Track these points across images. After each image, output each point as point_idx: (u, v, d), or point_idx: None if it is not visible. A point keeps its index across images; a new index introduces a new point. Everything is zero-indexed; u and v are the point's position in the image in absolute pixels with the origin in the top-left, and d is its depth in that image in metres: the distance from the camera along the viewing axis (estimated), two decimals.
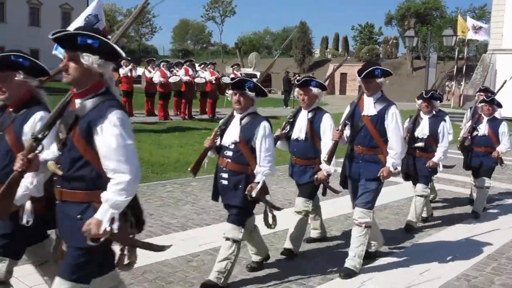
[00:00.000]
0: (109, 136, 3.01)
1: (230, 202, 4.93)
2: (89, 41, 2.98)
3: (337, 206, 8.18)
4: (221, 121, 5.09)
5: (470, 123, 8.54)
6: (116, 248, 3.36)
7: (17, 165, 3.13)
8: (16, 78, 3.52)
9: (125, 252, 3.39)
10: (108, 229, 2.97)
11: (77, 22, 9.88)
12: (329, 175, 5.69)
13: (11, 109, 3.62)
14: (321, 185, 5.88)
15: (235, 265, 4.96)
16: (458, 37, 31.36)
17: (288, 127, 5.96)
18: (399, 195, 9.04)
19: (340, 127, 5.49)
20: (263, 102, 27.37)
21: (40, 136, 3.16)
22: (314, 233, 6.51)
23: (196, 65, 20.04)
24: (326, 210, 8.01)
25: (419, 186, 7.34)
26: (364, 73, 5.36)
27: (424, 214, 7.70)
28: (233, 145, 4.86)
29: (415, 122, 7.47)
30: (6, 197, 3.24)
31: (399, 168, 5.59)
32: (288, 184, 9.86)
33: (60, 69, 3.29)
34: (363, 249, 5.40)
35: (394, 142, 5.35)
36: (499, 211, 8.67)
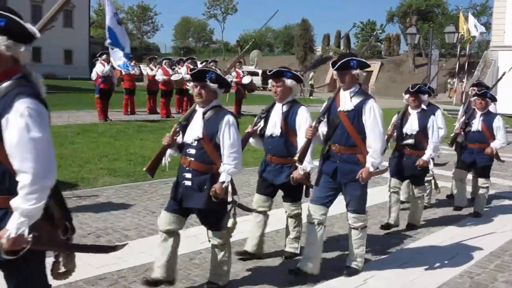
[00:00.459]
0: (13, 129, 2.56)
1: (194, 205, 4.54)
2: None
3: (339, 204, 8.17)
4: (182, 117, 4.76)
5: (463, 118, 8.25)
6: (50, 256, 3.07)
7: None
8: None
9: (60, 259, 3.08)
10: (26, 239, 2.62)
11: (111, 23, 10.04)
12: (307, 174, 5.29)
13: None
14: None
15: (232, 262, 4.94)
16: (460, 34, 31.31)
17: (262, 123, 5.52)
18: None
19: (314, 124, 5.06)
20: (265, 100, 27.35)
21: None
22: (248, 245, 5.69)
23: (198, 62, 20.02)
24: None
25: (416, 189, 7.08)
26: (338, 65, 4.98)
27: (391, 221, 7.07)
28: (195, 142, 4.50)
29: (403, 118, 7.03)
30: None
31: (381, 166, 5.34)
32: None
33: None
34: (363, 249, 5.30)
35: (372, 139, 4.96)
36: (502, 208, 8.65)
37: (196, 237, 6.26)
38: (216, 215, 4.59)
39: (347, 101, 5.07)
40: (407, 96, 6.98)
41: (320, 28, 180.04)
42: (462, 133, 8.05)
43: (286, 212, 5.69)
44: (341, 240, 6.43)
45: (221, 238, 4.64)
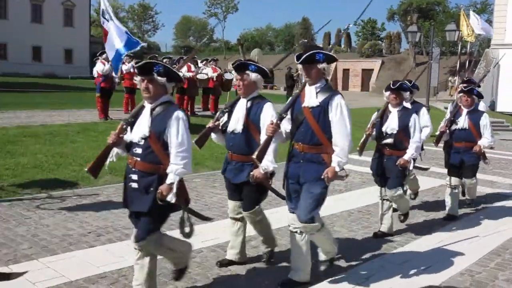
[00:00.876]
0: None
1: (139, 209, 4.20)
2: None
3: (339, 203, 8.19)
4: (130, 113, 4.42)
5: (448, 116, 7.88)
6: None
7: None
8: None
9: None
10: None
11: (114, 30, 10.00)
12: (270, 174, 4.92)
13: None
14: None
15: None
16: (460, 32, 31.26)
17: (225, 118, 5.20)
18: None
19: (275, 120, 4.66)
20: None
21: None
22: (230, 254, 5.45)
23: (198, 61, 20.00)
24: (327, 205, 8.02)
25: (390, 191, 6.53)
26: (303, 58, 4.62)
27: (384, 229, 6.74)
28: (142, 140, 4.17)
29: (383, 116, 6.63)
30: None
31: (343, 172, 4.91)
32: None
33: None
34: (330, 243, 5.01)
35: (339, 137, 4.62)
36: (503, 206, 8.64)
37: (197, 235, 6.24)
38: (152, 219, 4.22)
39: (312, 96, 4.73)
40: (387, 93, 6.58)
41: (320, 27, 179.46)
42: (448, 131, 7.70)
43: (229, 213, 5.38)
44: (341, 239, 6.42)
45: (153, 247, 4.27)
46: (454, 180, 7.72)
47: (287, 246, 6.05)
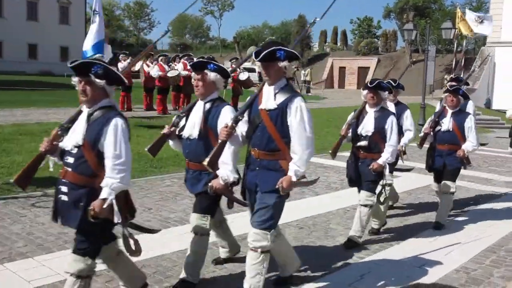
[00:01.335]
0: None
1: (69, 224, 3.85)
2: None
3: (335, 200, 8.20)
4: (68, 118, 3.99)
5: (432, 117, 7.49)
6: None
7: None
8: None
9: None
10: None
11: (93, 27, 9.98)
12: (231, 184, 4.48)
13: None
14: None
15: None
16: (456, 30, 31.32)
17: (182, 122, 4.81)
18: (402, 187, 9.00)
19: (230, 123, 4.29)
20: None
21: None
22: (222, 252, 5.43)
23: (194, 59, 19.98)
24: (323, 203, 8.04)
25: (363, 194, 6.17)
26: (262, 55, 4.21)
27: (376, 226, 6.71)
28: (75, 149, 3.72)
29: (359, 117, 6.25)
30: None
31: (315, 176, 4.84)
32: None
33: None
34: (259, 280, 4.31)
35: (297, 144, 4.21)
36: (498, 204, 8.67)
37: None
38: (84, 236, 3.80)
39: (270, 98, 4.32)
40: (365, 92, 6.20)
41: (317, 24, 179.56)
42: (431, 133, 7.30)
43: (190, 226, 4.82)
44: (337, 237, 6.44)
45: (80, 266, 3.80)
46: (436, 186, 7.51)
47: None
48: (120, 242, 3.97)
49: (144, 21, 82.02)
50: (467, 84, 8.79)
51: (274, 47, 4.23)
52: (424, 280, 5.17)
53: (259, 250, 4.27)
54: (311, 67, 47.89)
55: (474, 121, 7.20)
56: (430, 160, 7.38)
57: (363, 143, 6.12)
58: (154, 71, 17.55)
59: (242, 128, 4.47)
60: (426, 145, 7.66)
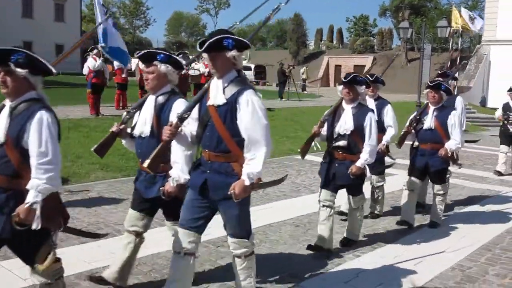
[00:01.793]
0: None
1: None
2: None
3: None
4: None
5: (414, 114, 7.08)
6: None
7: None
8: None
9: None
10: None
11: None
12: (183, 186, 4.09)
13: None
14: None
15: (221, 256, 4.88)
16: (452, 28, 31.37)
17: (135, 119, 4.47)
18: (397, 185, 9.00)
19: (174, 122, 3.86)
20: None
21: None
22: (108, 272, 4.61)
23: (190, 57, 19.94)
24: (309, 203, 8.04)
25: (351, 198, 5.85)
26: (207, 44, 3.71)
27: (320, 243, 5.78)
28: None
29: (335, 115, 5.77)
30: None
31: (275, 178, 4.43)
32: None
33: None
34: (250, 281, 4.13)
35: (251, 143, 3.72)
36: (493, 202, 8.70)
37: None
38: (26, 246, 3.46)
39: (219, 92, 3.84)
40: (340, 87, 5.75)
41: (312, 23, 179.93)
42: (413, 131, 6.92)
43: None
44: (333, 234, 6.43)
45: (44, 275, 3.54)
46: (412, 182, 6.92)
47: (279, 242, 6.08)
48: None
49: (139, 19, 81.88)
50: (455, 79, 8.58)
51: (220, 35, 3.72)
52: (420, 277, 5.18)
53: (242, 256, 4.05)
54: (307, 65, 47.92)
55: (459, 118, 6.83)
56: (412, 159, 7.01)
57: (341, 142, 5.65)
58: None
59: (191, 126, 4.01)
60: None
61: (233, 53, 3.75)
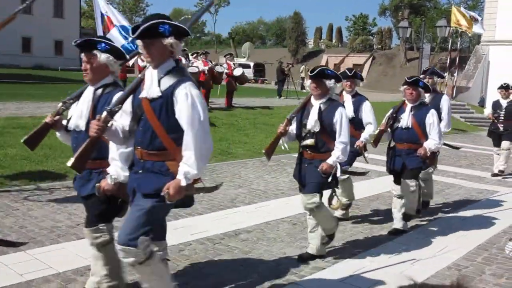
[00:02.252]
0: None
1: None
2: None
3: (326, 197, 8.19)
4: None
5: (390, 112, 6.61)
6: None
7: None
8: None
9: None
10: None
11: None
12: (123, 185, 3.76)
13: None
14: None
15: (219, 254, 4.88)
16: (451, 28, 31.38)
17: (72, 111, 4.12)
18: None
19: (103, 116, 3.52)
20: (256, 92, 27.35)
21: None
22: (90, 282, 4.28)
23: (189, 54, 19.93)
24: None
25: (303, 197, 5.32)
26: (140, 30, 3.36)
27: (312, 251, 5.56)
28: None
29: (304, 111, 5.40)
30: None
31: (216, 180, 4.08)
32: (280, 175, 9.87)
33: None
34: (164, 283, 3.74)
35: (190, 139, 3.37)
36: (491, 201, 8.71)
37: (186, 228, 6.25)
38: None
39: (153, 84, 3.50)
40: (308, 82, 5.38)
41: (312, 21, 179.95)
42: (389, 130, 6.53)
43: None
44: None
45: None
46: (398, 189, 6.58)
47: (276, 240, 6.09)
48: None
49: (139, 15, 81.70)
50: (442, 77, 8.28)
51: (155, 20, 3.39)
52: (417, 276, 5.18)
53: (136, 264, 3.54)
54: (306, 64, 47.94)
55: (437, 116, 6.41)
56: (388, 160, 6.63)
57: (309, 141, 5.26)
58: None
59: (123, 121, 3.68)
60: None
61: (170, 40, 3.43)
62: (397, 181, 6.56)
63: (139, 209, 3.49)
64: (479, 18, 29.81)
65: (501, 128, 10.99)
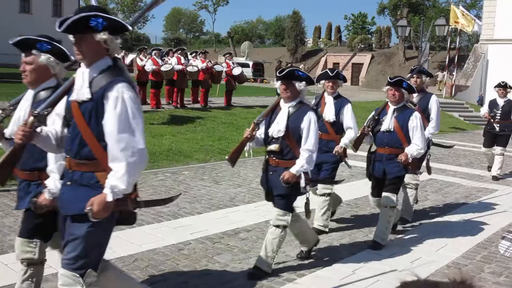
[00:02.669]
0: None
1: None
2: None
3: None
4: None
5: (372, 114, 6.22)
6: None
7: None
8: None
9: None
10: None
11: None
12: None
13: None
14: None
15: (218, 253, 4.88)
16: (450, 27, 31.39)
17: (15, 117, 3.79)
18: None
19: (29, 122, 3.15)
20: (256, 91, 27.32)
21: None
22: None
23: (188, 53, 19.93)
24: (314, 200, 8.05)
25: (274, 211, 4.95)
26: (67, 23, 3.00)
27: (305, 248, 5.46)
28: None
29: (272, 114, 5.00)
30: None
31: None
32: None
33: None
34: None
35: (116, 149, 2.99)
36: (489, 200, 8.72)
37: (185, 227, 6.26)
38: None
39: (84, 85, 3.11)
40: (278, 83, 4.94)
41: (311, 20, 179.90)
42: (370, 134, 6.12)
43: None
44: (330, 232, 6.44)
45: None
46: (374, 201, 6.30)
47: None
48: None
49: None
50: (431, 76, 7.98)
51: (86, 13, 3.00)
52: (416, 275, 5.19)
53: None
54: (305, 63, 47.91)
55: (420, 119, 5.92)
56: (368, 165, 6.20)
57: (273, 146, 4.89)
58: (148, 65, 17.50)
59: (56, 126, 3.30)
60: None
61: (103, 35, 3.04)
62: (375, 190, 6.18)
63: (74, 238, 3.11)
64: (477, 20, 29.89)
65: (497, 128, 10.68)
